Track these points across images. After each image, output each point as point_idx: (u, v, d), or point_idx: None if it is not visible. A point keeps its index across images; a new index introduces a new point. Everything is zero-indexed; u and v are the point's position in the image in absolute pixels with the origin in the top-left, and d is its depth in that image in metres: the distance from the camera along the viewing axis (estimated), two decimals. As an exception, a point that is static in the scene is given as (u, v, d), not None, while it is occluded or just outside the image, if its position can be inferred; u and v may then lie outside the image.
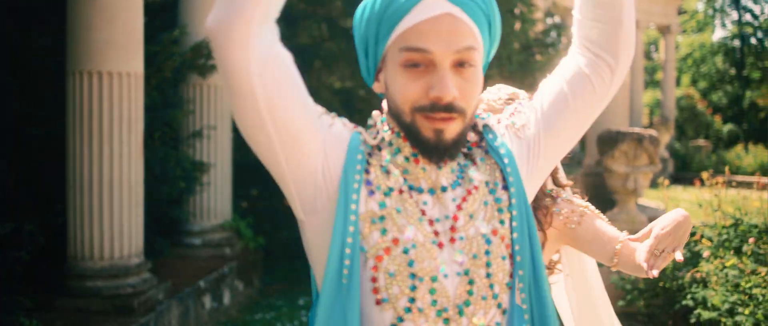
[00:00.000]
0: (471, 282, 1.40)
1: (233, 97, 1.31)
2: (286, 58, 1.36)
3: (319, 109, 1.43)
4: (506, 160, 1.46)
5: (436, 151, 1.38)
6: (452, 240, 1.41)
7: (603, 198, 8.62)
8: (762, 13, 36.01)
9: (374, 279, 1.37)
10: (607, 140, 7.20)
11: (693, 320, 5.34)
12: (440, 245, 1.40)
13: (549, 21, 14.43)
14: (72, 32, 5.54)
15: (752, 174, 19.93)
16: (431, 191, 1.42)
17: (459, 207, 1.43)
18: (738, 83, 34.37)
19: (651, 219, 6.64)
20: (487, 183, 1.47)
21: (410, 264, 1.37)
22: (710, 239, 5.87)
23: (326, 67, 9.08)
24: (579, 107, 1.52)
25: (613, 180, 7.23)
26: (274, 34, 1.34)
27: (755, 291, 4.73)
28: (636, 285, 6.25)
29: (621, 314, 6.71)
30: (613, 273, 6.68)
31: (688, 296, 5.54)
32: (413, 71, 1.35)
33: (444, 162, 1.43)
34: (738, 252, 5.61)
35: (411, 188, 1.42)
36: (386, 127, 1.47)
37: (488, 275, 1.42)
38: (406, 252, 1.37)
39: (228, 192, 8.02)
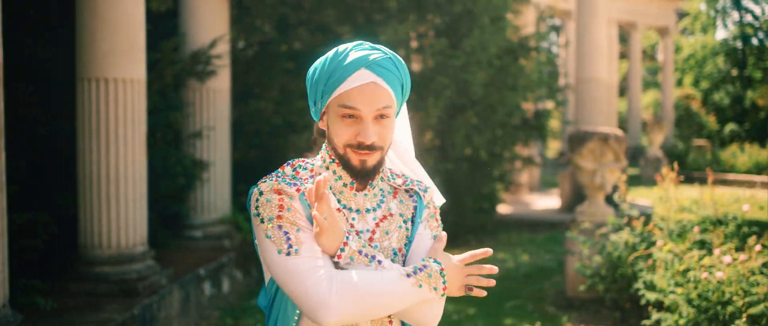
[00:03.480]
0: None
1: None
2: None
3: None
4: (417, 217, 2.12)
5: (361, 173, 1.98)
6: (369, 246, 2.04)
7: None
8: (763, 13, 36.23)
9: None
10: (576, 139, 7.75)
11: (643, 302, 5.89)
12: None
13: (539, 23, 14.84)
14: (80, 42, 6.16)
15: (746, 172, 20.40)
16: (358, 211, 2.07)
17: (377, 225, 2.08)
18: (740, 83, 34.71)
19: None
20: (401, 215, 2.12)
21: None
22: (661, 229, 6.42)
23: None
24: None
25: (582, 176, 7.77)
26: None
27: (690, 273, 5.25)
28: (597, 272, 6.81)
29: (587, 300, 7.29)
30: (577, 261, 7.24)
31: (640, 280, 6.08)
32: (347, 120, 1.94)
33: (368, 188, 2.04)
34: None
35: (344, 207, 2.06)
36: (325, 161, 2.07)
37: None
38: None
39: (227, 189, 8.63)
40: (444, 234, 2.09)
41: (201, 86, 8.23)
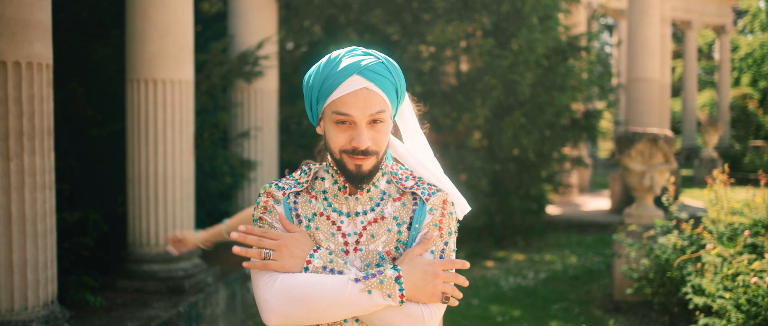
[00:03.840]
0: None
1: None
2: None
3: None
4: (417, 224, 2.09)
5: (357, 178, 1.99)
6: (355, 250, 2.05)
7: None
8: (824, 11, 35.30)
9: None
10: (624, 140, 7.66)
11: (691, 306, 5.79)
12: (346, 252, 2.06)
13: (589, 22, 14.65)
14: (130, 44, 6.28)
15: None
16: (348, 214, 2.08)
17: (364, 228, 2.08)
18: (799, 83, 33.82)
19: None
20: (396, 218, 2.09)
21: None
22: (710, 232, 6.30)
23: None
24: None
25: (630, 177, 7.67)
26: None
27: (739, 278, 5.15)
28: (644, 275, 6.71)
29: (635, 303, 7.19)
30: (624, 264, 7.15)
31: (688, 284, 5.98)
32: (341, 126, 1.96)
33: (361, 192, 2.05)
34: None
35: (334, 210, 2.08)
36: (326, 165, 2.12)
37: None
38: None
39: (274, 188, 8.70)
40: (432, 235, 2.04)
41: (248, 87, 8.32)
